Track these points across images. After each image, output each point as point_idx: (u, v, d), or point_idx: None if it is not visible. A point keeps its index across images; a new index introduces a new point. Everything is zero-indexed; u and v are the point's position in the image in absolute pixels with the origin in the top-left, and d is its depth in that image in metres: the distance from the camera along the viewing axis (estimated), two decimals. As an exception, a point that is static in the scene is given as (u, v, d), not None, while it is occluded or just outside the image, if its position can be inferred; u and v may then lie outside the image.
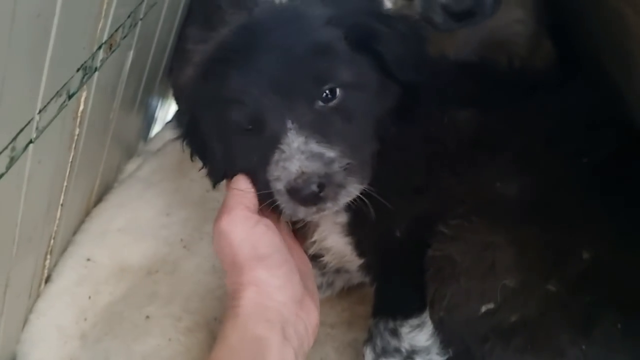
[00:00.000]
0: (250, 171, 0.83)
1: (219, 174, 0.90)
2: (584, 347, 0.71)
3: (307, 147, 0.75)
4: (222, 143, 0.86)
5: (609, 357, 0.72)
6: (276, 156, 0.76)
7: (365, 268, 0.90)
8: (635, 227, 0.74)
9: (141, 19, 1.05)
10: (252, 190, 0.82)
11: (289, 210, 0.78)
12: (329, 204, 0.77)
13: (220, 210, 0.81)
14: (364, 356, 0.88)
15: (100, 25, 0.86)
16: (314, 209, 0.77)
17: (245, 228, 0.79)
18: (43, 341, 1.05)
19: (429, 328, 0.83)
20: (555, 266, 0.74)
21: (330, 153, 0.75)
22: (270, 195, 0.78)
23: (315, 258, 0.98)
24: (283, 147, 0.76)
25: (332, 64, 0.79)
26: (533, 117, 0.84)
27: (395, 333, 0.84)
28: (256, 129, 0.80)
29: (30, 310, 1.08)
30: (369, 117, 0.82)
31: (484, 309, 0.75)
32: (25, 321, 1.07)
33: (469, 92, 0.87)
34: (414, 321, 0.83)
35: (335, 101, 0.79)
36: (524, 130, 0.83)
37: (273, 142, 0.77)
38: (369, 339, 0.87)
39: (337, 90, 0.79)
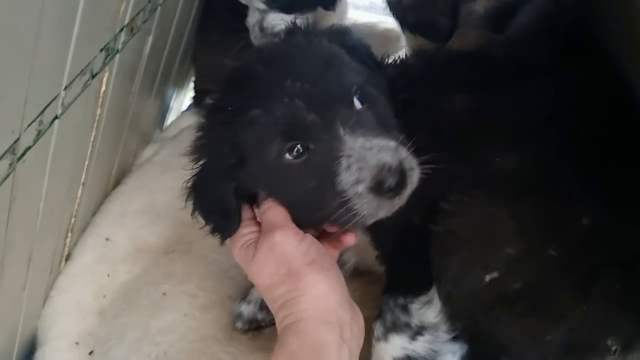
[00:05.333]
0: (305, 200, 0.81)
1: (231, 231, 0.86)
2: (584, 307, 0.73)
3: (371, 143, 0.75)
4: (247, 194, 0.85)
5: (608, 315, 0.73)
6: (344, 163, 0.75)
7: (381, 257, 0.93)
8: (631, 192, 0.76)
9: (160, 5, 1.08)
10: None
11: (370, 210, 0.76)
12: (409, 188, 0.77)
13: (269, 228, 0.82)
14: (373, 331, 0.90)
15: (123, 7, 0.90)
16: (396, 199, 0.76)
17: (297, 239, 0.81)
18: (63, 316, 1.09)
19: (437, 305, 0.85)
20: (556, 232, 0.75)
21: (392, 142, 0.76)
22: (334, 211, 0.77)
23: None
24: (348, 152, 0.75)
25: (348, 70, 0.81)
26: (530, 95, 0.86)
27: (405, 309, 0.86)
28: (301, 152, 0.78)
29: (51, 287, 1.12)
30: (388, 108, 0.85)
31: (488, 278, 0.76)
32: (46, 297, 1.11)
33: (465, 77, 0.90)
34: (423, 298, 0.85)
35: (367, 101, 0.80)
36: (521, 107, 0.85)
37: (333, 154, 0.76)
38: (379, 315, 0.89)
39: (364, 91, 0.80)
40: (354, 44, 0.88)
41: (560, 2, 1.00)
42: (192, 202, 0.87)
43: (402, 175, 0.74)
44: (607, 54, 0.90)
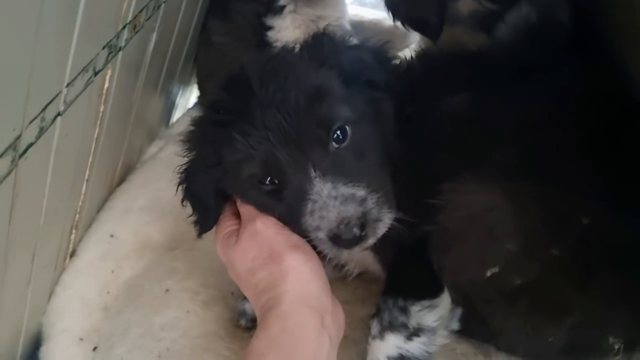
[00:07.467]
0: (277, 218, 0.84)
1: (207, 227, 0.92)
2: (584, 306, 0.73)
3: (337, 191, 0.76)
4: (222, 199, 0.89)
5: (608, 314, 0.74)
6: (309, 207, 0.77)
7: (383, 268, 0.93)
8: (629, 191, 0.76)
9: (164, 2, 1.08)
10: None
11: (332, 254, 0.81)
12: (370, 240, 0.79)
13: (249, 217, 0.85)
14: (369, 329, 0.89)
15: (125, 4, 0.90)
16: (356, 248, 0.79)
17: (278, 226, 0.83)
18: (68, 312, 1.10)
19: (439, 311, 0.85)
20: (557, 231, 0.75)
21: (361, 192, 0.76)
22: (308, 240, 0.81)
23: (339, 267, 1.04)
24: (314, 197, 0.77)
25: (334, 105, 0.80)
26: (528, 94, 0.86)
27: (404, 310, 0.86)
28: (275, 183, 0.80)
29: (56, 282, 1.13)
30: (377, 144, 0.84)
31: (489, 273, 0.76)
32: (51, 293, 1.12)
33: (465, 78, 0.89)
34: (425, 302, 0.85)
35: (347, 140, 0.80)
36: (519, 106, 0.84)
37: (301, 194, 0.78)
38: (377, 314, 0.89)
39: (347, 128, 0.80)
40: (364, 64, 0.86)
41: (546, 15, 1.01)
42: (182, 189, 0.91)
43: (363, 228, 0.76)
44: (608, 51, 0.89)
